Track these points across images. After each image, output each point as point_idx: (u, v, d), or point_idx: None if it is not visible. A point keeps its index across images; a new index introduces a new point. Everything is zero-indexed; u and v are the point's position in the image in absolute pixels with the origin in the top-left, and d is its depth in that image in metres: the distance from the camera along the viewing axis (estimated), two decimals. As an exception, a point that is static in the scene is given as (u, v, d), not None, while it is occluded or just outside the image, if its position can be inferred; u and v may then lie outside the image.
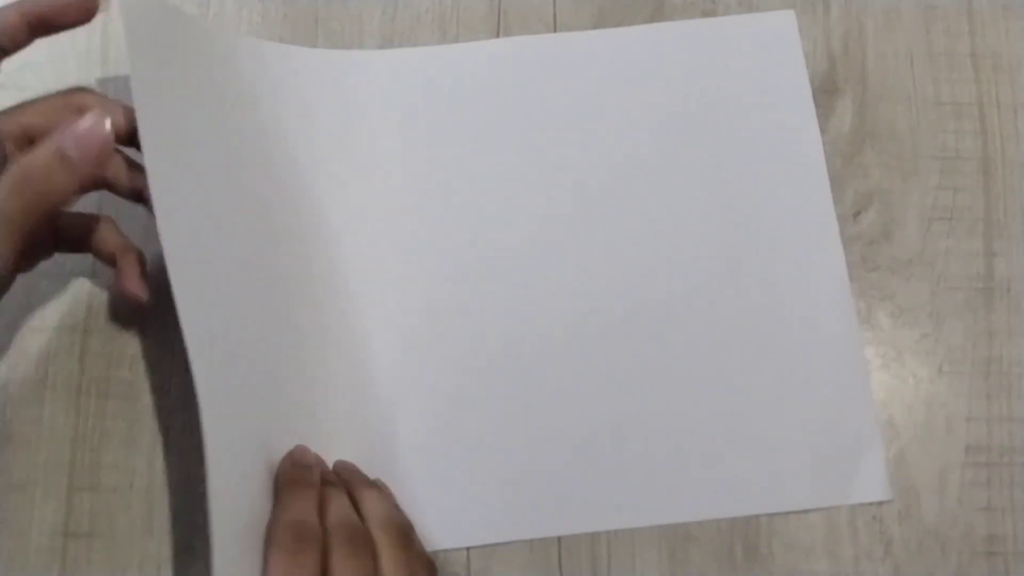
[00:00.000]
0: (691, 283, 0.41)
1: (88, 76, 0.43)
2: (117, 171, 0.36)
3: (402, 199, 0.41)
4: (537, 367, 0.40)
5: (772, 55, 0.43)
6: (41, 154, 0.32)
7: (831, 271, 0.41)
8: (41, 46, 0.43)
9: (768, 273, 0.41)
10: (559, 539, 0.39)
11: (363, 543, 0.33)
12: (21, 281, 0.41)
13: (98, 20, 0.44)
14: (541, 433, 0.39)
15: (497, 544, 0.38)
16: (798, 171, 0.42)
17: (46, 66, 0.43)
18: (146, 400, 0.40)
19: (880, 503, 0.39)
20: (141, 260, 0.37)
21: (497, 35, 0.44)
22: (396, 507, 0.36)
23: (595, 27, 0.44)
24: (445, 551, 0.38)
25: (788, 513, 0.39)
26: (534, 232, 0.41)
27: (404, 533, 0.35)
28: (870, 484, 0.39)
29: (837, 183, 0.42)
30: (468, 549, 0.38)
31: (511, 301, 0.40)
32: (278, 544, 0.32)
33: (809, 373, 0.40)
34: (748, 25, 0.43)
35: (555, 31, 0.44)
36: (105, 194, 0.37)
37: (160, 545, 0.38)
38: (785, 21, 0.43)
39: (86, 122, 0.32)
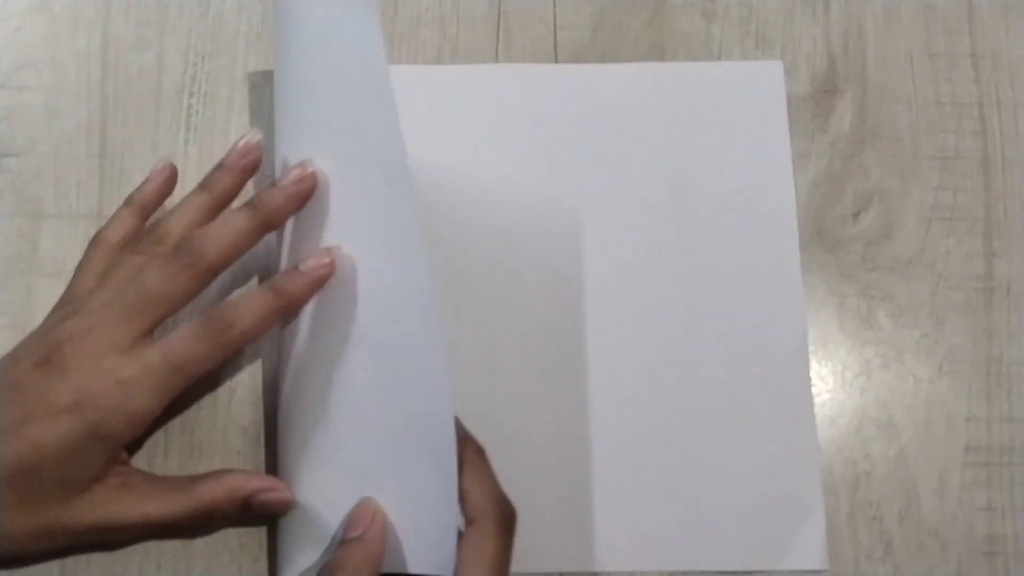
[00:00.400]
0: (653, 328, 0.40)
1: (88, 75, 0.43)
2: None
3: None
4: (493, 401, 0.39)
5: (757, 103, 0.43)
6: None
7: (792, 334, 0.40)
8: (41, 46, 0.44)
9: (730, 325, 0.40)
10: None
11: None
12: (21, 281, 0.41)
13: (98, 20, 0.44)
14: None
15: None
16: (770, 227, 0.42)
17: (46, 66, 0.43)
18: (146, 400, 0.39)
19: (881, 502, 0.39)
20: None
21: (497, 35, 0.44)
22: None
23: (594, 27, 0.44)
24: None
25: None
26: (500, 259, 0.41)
27: None
28: (807, 552, 0.38)
29: (837, 183, 0.42)
30: None
31: (479, 334, 0.40)
32: (500, 523, 0.32)
33: (760, 435, 0.39)
34: (737, 72, 0.43)
35: (555, 31, 0.44)
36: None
37: (160, 546, 0.38)
38: (772, 71, 0.43)
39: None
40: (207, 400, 0.39)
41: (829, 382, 0.40)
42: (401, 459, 0.34)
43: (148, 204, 0.39)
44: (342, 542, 0.33)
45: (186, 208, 0.37)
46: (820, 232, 0.42)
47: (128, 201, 0.39)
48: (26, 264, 0.41)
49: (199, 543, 0.38)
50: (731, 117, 0.43)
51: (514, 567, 0.33)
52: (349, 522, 0.33)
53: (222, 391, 0.40)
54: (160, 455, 0.39)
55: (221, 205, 0.37)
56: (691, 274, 0.41)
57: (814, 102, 0.43)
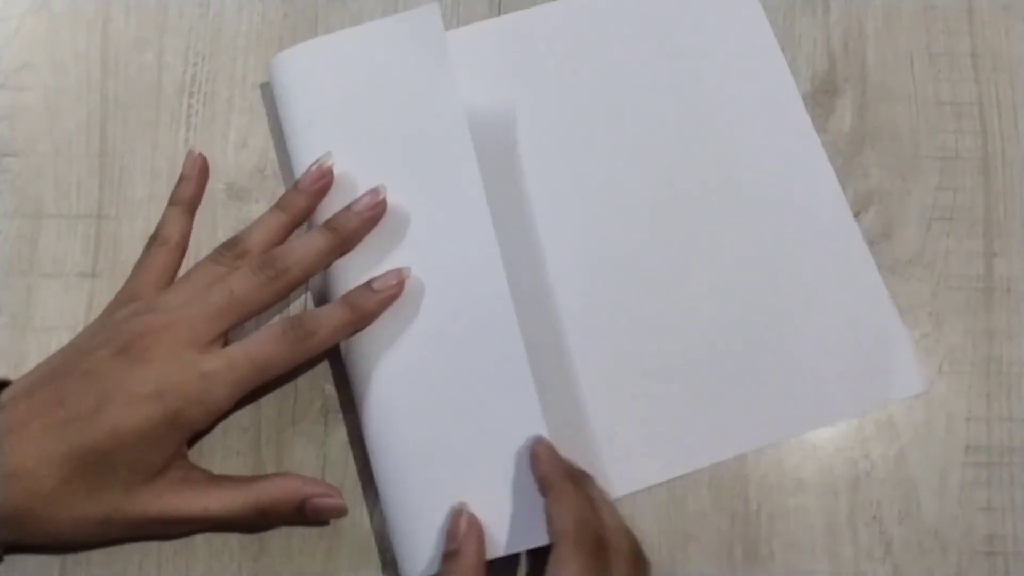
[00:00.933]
0: (702, 228, 0.41)
1: (88, 75, 0.43)
2: None
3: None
4: (584, 319, 0.40)
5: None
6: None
7: (821, 181, 0.42)
8: (41, 46, 0.44)
9: (762, 195, 0.41)
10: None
11: (639, 556, 0.34)
12: (21, 280, 0.41)
13: (98, 20, 0.44)
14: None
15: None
16: (775, 101, 0.43)
17: (45, 65, 0.43)
18: (146, 400, 0.39)
19: (878, 506, 0.39)
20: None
21: (497, 35, 0.44)
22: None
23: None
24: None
25: (788, 513, 0.39)
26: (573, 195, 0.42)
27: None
28: (903, 378, 0.40)
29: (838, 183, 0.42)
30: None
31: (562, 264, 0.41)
32: (582, 545, 0.33)
33: (824, 285, 0.40)
34: None
35: (555, 31, 0.44)
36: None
37: (160, 545, 0.38)
38: None
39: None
40: (207, 400, 0.40)
41: (829, 382, 0.40)
42: (490, 449, 0.37)
43: (193, 200, 0.41)
44: (444, 556, 0.35)
45: (264, 226, 0.39)
46: (820, 232, 0.42)
47: (173, 201, 0.41)
48: (26, 264, 0.41)
49: (199, 543, 0.38)
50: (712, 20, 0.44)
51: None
52: (447, 535, 0.35)
53: (222, 391, 0.40)
54: (160, 455, 0.39)
55: (295, 224, 0.39)
56: (722, 173, 0.42)
57: (814, 102, 0.43)
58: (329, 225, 0.38)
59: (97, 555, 0.38)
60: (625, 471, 0.39)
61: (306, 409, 0.40)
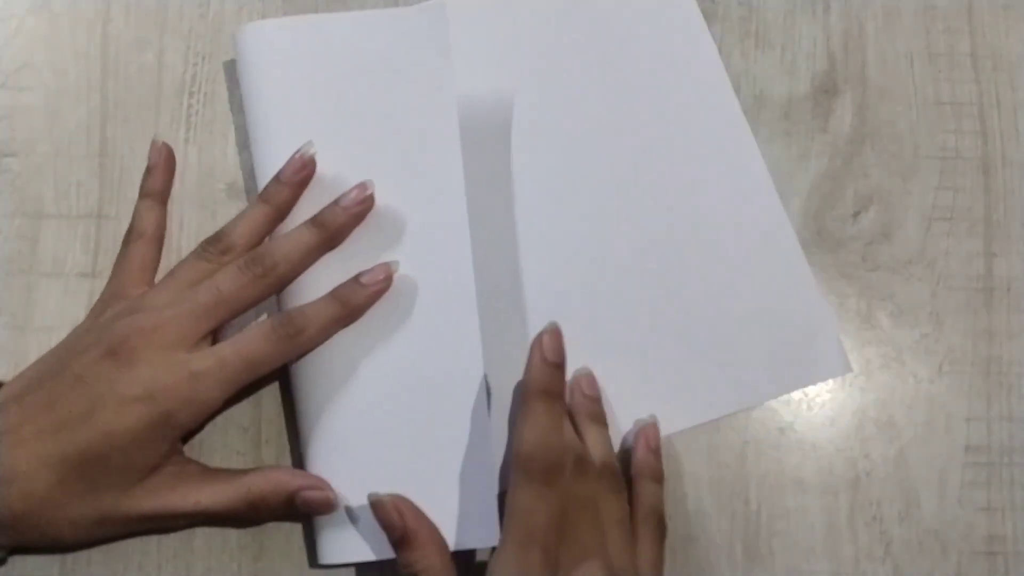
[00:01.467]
0: (635, 216, 0.41)
1: (88, 76, 0.43)
2: None
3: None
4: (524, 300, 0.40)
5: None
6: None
7: (747, 160, 0.42)
8: (41, 46, 0.44)
9: (698, 192, 0.42)
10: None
11: (621, 485, 0.35)
12: (21, 280, 0.41)
13: (98, 20, 0.44)
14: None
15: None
16: (701, 85, 0.43)
17: (45, 65, 0.43)
18: (146, 400, 0.40)
19: (879, 503, 0.39)
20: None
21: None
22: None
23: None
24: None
25: (788, 513, 0.39)
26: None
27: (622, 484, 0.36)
28: (829, 362, 0.40)
29: (837, 183, 0.42)
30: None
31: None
32: (530, 469, 0.33)
33: (750, 268, 0.41)
34: None
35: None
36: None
37: (159, 545, 0.38)
38: None
39: None
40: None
41: (829, 382, 0.40)
42: (436, 439, 0.37)
43: (164, 190, 0.41)
44: (395, 544, 0.35)
45: (248, 219, 0.38)
46: (820, 232, 0.42)
47: (143, 193, 0.40)
48: (26, 264, 0.41)
49: (199, 543, 0.38)
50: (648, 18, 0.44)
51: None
52: (385, 524, 0.35)
53: (222, 391, 0.40)
54: (160, 455, 0.39)
55: (280, 216, 0.39)
56: (649, 152, 0.42)
57: (814, 102, 0.43)
58: (316, 221, 0.38)
59: (97, 555, 0.38)
60: None
61: (306, 409, 0.39)
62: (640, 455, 0.38)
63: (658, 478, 0.37)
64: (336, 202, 0.38)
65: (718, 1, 0.44)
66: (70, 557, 0.38)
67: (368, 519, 0.35)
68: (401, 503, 0.35)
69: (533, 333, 0.36)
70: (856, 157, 0.43)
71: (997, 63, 0.43)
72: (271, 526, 0.38)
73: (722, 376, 0.40)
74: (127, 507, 0.35)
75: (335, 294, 0.37)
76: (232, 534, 0.38)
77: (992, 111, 0.43)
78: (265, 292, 0.37)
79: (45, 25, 0.44)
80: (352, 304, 0.37)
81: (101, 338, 0.35)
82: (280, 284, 0.37)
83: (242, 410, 0.39)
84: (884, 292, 0.41)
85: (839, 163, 0.43)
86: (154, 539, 0.38)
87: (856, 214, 0.42)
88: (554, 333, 0.36)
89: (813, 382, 0.40)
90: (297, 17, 0.41)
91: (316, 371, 0.38)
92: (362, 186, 0.38)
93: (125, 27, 0.44)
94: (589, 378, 0.38)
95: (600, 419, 0.38)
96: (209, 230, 0.39)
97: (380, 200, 0.39)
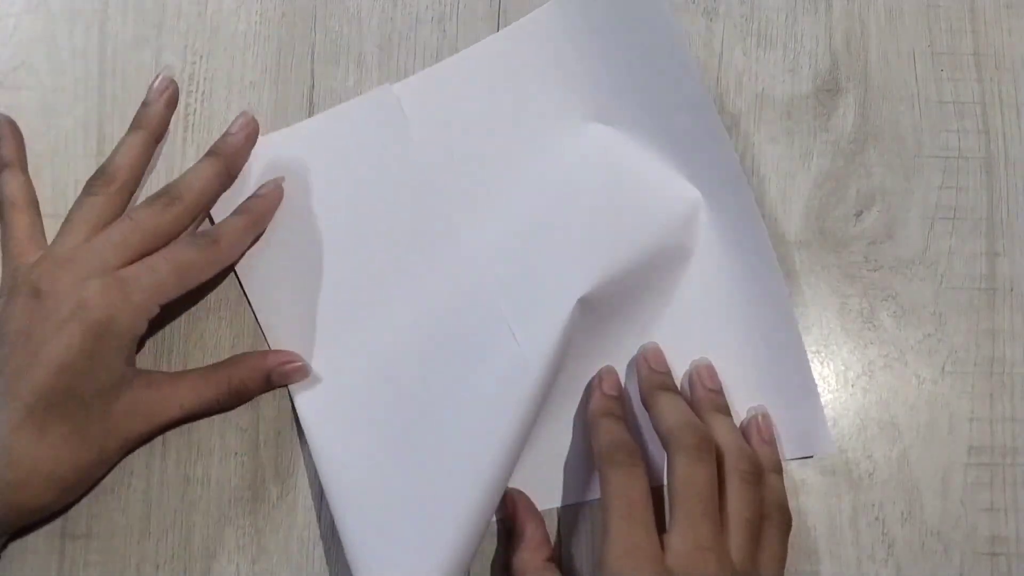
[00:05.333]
0: (621, 275, 0.39)
1: (85, 75, 0.43)
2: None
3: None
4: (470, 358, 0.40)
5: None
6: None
7: (746, 218, 0.39)
8: (38, 45, 0.43)
9: (691, 248, 0.40)
10: (559, 537, 0.38)
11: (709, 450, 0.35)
12: (18, 281, 0.40)
13: (96, 18, 0.44)
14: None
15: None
16: (702, 142, 0.40)
17: (42, 64, 0.43)
18: (144, 401, 0.39)
19: (882, 508, 0.39)
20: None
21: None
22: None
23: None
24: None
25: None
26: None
27: (758, 469, 0.36)
28: (812, 439, 0.39)
29: (840, 182, 0.42)
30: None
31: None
32: (681, 448, 0.35)
33: (742, 339, 0.40)
34: None
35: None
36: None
37: (158, 546, 0.38)
38: None
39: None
40: (206, 401, 0.39)
41: (831, 382, 0.40)
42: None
43: (17, 157, 0.41)
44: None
45: (125, 148, 0.40)
46: (822, 232, 0.42)
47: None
48: (23, 264, 0.41)
49: (199, 543, 0.38)
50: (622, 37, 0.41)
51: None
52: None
53: (221, 392, 0.40)
54: (159, 455, 0.39)
55: (155, 139, 0.41)
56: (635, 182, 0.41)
57: (816, 101, 0.43)
58: (211, 150, 0.40)
59: (96, 555, 0.38)
60: (569, 483, 0.39)
61: (305, 410, 0.39)
62: (758, 450, 0.37)
63: (778, 470, 0.37)
64: (226, 132, 0.41)
65: (719, 2, 0.44)
66: (69, 557, 0.37)
67: (398, 539, 0.36)
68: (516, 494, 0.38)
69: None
70: (858, 156, 0.42)
71: (1000, 62, 0.43)
72: (271, 526, 0.38)
73: None
74: (117, 434, 0.36)
75: (241, 207, 0.40)
76: (231, 536, 0.38)
77: (995, 110, 0.43)
78: (177, 221, 0.38)
79: (42, 24, 0.43)
80: (256, 213, 0.39)
81: (18, 286, 0.36)
82: (190, 213, 0.38)
83: (241, 411, 0.39)
84: (887, 292, 0.41)
85: (841, 162, 0.42)
86: (154, 539, 0.38)
87: (858, 214, 0.42)
88: (655, 350, 0.39)
89: (796, 456, 0.39)
90: (270, 135, 0.42)
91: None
92: (244, 113, 0.41)
93: (123, 26, 0.43)
94: (710, 369, 0.39)
95: (726, 410, 0.38)
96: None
97: (385, 263, 0.41)
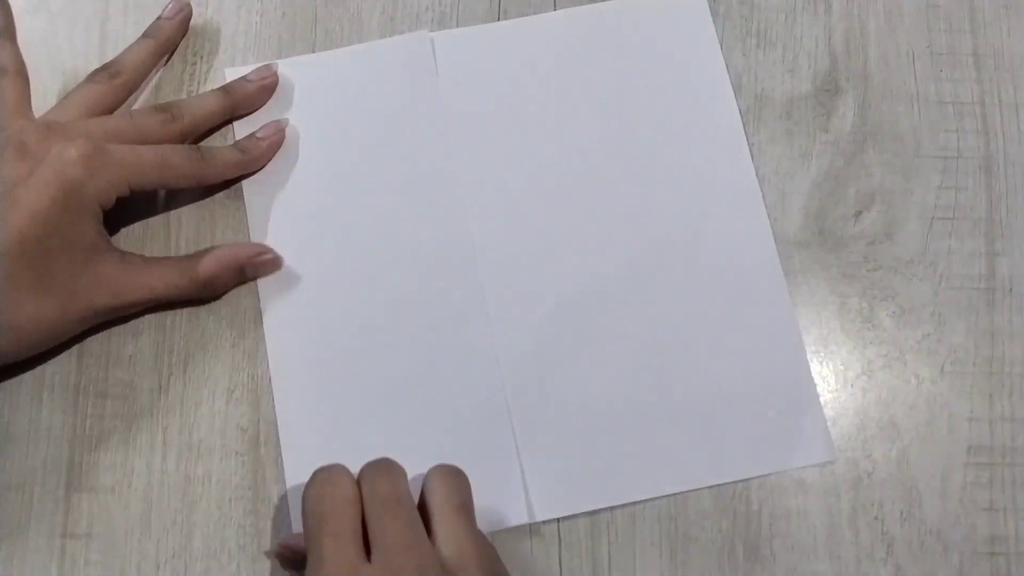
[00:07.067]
0: (625, 268, 0.41)
1: (85, 75, 0.43)
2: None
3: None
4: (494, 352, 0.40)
5: (685, 28, 0.44)
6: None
7: (757, 229, 0.41)
8: (39, 45, 0.43)
9: (697, 249, 0.41)
10: (559, 538, 0.38)
11: (408, 512, 0.34)
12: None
13: (96, 19, 0.44)
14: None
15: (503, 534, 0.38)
16: (720, 144, 0.42)
17: (44, 66, 0.43)
18: (144, 400, 0.39)
19: (880, 506, 0.39)
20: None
21: (497, 34, 0.44)
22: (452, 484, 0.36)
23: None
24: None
25: (790, 513, 0.39)
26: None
27: (464, 509, 0.35)
28: (812, 446, 0.39)
29: (839, 182, 0.42)
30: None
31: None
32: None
33: (745, 345, 0.40)
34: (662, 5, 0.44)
35: (555, 30, 0.44)
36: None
37: (158, 546, 0.38)
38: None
39: None
40: (206, 400, 0.39)
41: (831, 382, 0.40)
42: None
43: (6, 25, 0.41)
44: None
45: (135, 50, 0.41)
46: (822, 232, 0.42)
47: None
48: (24, 264, 0.41)
49: (199, 543, 0.38)
50: (665, 43, 0.44)
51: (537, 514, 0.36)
52: None
53: (221, 391, 0.40)
54: (159, 455, 0.39)
55: (164, 51, 0.42)
56: (658, 208, 0.42)
57: (816, 101, 0.43)
58: (224, 88, 0.41)
59: (96, 555, 0.38)
60: (545, 498, 0.39)
61: (305, 409, 0.39)
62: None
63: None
64: (245, 76, 0.42)
65: (719, 1, 0.44)
66: (68, 558, 0.38)
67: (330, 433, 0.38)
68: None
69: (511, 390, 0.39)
70: (858, 156, 0.42)
71: (999, 62, 0.43)
72: (270, 527, 0.38)
73: (701, 450, 0.39)
74: (81, 299, 0.37)
75: (237, 144, 0.41)
76: (232, 536, 0.38)
77: (994, 110, 0.43)
78: (171, 135, 0.39)
79: (43, 25, 0.43)
80: (252, 154, 0.41)
81: (8, 143, 0.37)
82: (184, 133, 0.40)
83: (241, 410, 0.39)
84: (886, 292, 0.41)
85: (841, 162, 0.42)
86: (154, 539, 0.38)
87: (858, 214, 0.42)
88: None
89: (796, 464, 0.39)
90: (294, 58, 0.43)
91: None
92: (267, 66, 0.42)
93: (123, 26, 0.44)
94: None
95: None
96: (206, 229, 0.39)
97: (387, 213, 0.41)
